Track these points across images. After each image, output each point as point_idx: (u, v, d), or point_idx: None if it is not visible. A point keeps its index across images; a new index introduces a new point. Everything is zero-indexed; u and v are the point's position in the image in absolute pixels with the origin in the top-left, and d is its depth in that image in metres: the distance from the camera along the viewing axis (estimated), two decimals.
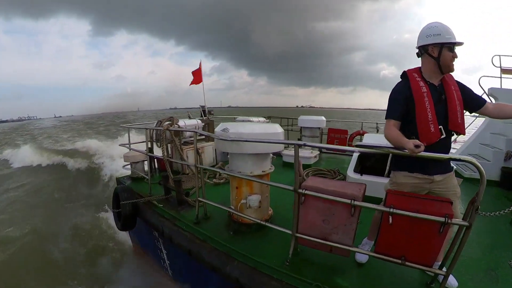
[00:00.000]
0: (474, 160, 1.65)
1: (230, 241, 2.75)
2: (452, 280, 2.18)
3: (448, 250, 1.93)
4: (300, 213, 2.18)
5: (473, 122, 6.06)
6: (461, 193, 4.56)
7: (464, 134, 2.03)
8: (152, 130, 4.09)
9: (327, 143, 7.07)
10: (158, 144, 3.95)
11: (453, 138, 2.12)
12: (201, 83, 6.89)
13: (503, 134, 5.39)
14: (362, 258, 2.38)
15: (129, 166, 4.63)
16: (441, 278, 1.99)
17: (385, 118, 2.05)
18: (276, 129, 2.66)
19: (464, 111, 2.04)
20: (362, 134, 7.06)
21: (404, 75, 2.08)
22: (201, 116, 6.87)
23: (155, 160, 4.74)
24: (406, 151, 1.79)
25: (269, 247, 2.61)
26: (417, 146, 1.73)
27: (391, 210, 1.82)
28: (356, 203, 1.91)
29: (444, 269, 1.94)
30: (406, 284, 2.20)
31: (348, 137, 7.20)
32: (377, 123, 7.27)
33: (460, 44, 1.95)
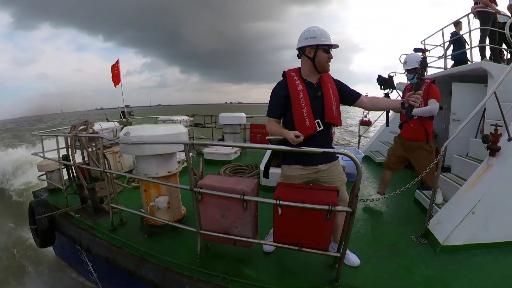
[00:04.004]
0: (349, 152, 1.68)
1: (144, 244, 2.59)
2: (354, 258, 2.29)
3: (341, 234, 1.97)
4: (200, 210, 2.10)
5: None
6: (376, 175, 4.92)
7: (340, 125, 2.10)
8: (66, 136, 3.68)
9: (250, 138, 6.91)
10: (75, 150, 3.58)
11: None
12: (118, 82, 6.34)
13: None
14: (268, 247, 2.38)
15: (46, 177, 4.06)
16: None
17: (266, 116, 2.10)
18: (179, 129, 2.53)
19: (343, 105, 2.19)
20: None
21: (284, 74, 2.11)
22: (120, 118, 6.36)
23: (73, 168, 4.24)
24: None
25: (182, 246, 2.51)
26: (297, 136, 1.86)
27: (278, 202, 1.80)
28: (246, 197, 1.87)
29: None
30: (312, 266, 2.24)
31: None
32: None
33: (335, 46, 2.01)
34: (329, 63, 2.02)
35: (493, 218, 2.58)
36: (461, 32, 5.48)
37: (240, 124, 6.54)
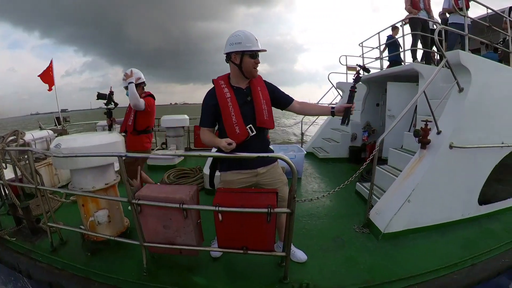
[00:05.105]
0: (284, 156, 1.72)
1: (88, 263, 2.38)
2: (301, 255, 2.31)
3: (284, 234, 1.98)
4: (142, 222, 1.98)
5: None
6: (320, 171, 5.15)
7: (272, 128, 2.06)
8: None
9: (194, 141, 6.70)
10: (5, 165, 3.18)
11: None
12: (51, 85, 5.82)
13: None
14: (215, 253, 2.31)
15: None
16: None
17: (199, 126, 2.06)
18: (115, 138, 2.36)
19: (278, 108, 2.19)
20: None
21: (213, 83, 2.06)
22: (55, 125, 5.84)
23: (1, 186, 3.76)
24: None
25: (128, 260, 2.34)
26: (229, 144, 1.80)
27: (217, 208, 1.76)
28: (185, 206, 1.79)
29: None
30: (261, 267, 2.22)
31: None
32: None
33: (262, 51, 1.95)
34: (257, 68, 1.97)
35: (427, 204, 2.78)
36: (397, 36, 5.88)
37: (183, 127, 6.30)
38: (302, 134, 6.74)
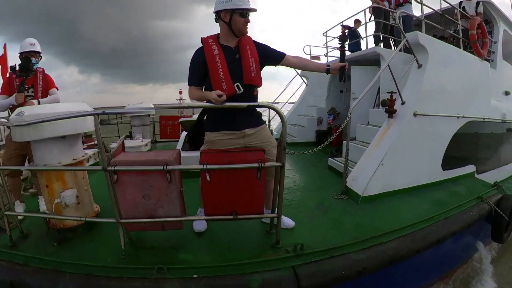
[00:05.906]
0: (273, 105, 1.73)
1: (56, 254, 2.06)
2: (288, 221, 2.26)
3: (273, 196, 1.91)
4: (118, 194, 1.75)
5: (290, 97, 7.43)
6: (286, 156, 5.21)
7: (259, 85, 2.06)
8: None
9: (160, 131, 6.56)
10: None
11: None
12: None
13: (314, 105, 6.42)
14: (200, 227, 2.16)
15: None
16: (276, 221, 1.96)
17: (187, 85, 2.02)
18: (84, 107, 2.12)
19: (269, 66, 2.19)
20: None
21: (202, 41, 2.02)
22: (9, 115, 5.27)
23: None
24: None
25: (102, 246, 2.08)
26: (219, 95, 1.77)
27: (205, 166, 1.64)
28: (170, 167, 1.63)
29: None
30: (249, 238, 2.13)
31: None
32: None
33: (252, 10, 1.94)
34: (247, 26, 1.96)
35: (398, 168, 2.93)
36: (358, 29, 6.19)
37: (149, 116, 6.09)
38: (269, 120, 6.85)
